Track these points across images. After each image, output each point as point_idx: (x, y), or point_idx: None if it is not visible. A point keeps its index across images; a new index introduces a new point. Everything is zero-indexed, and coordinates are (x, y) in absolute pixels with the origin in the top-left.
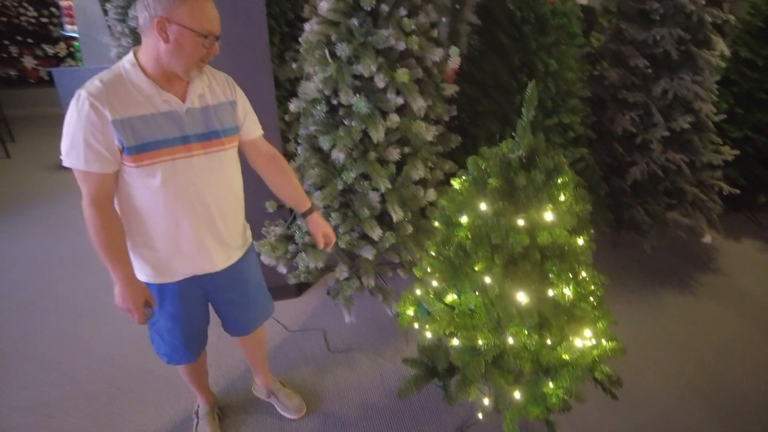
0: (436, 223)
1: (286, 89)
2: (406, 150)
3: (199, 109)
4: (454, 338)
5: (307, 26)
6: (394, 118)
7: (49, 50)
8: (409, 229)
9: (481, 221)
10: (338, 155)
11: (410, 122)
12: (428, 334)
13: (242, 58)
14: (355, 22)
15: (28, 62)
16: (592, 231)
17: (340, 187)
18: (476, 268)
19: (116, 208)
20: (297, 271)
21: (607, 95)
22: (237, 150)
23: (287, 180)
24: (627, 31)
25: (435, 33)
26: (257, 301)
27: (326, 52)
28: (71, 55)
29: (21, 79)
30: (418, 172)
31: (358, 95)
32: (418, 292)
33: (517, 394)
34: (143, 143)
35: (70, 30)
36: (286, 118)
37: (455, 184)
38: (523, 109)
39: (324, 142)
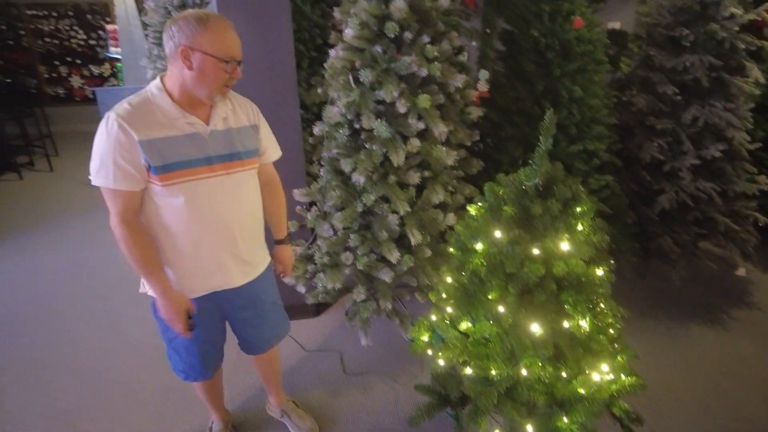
0: (451, 249)
1: (313, 113)
2: (426, 174)
3: (223, 131)
4: (468, 367)
5: (332, 52)
6: (415, 143)
7: (95, 70)
8: (428, 252)
9: (496, 249)
10: (359, 178)
11: (431, 147)
12: (441, 362)
13: (270, 83)
14: (378, 49)
15: (76, 81)
16: (612, 261)
17: (359, 209)
18: (490, 297)
19: None
20: (315, 291)
21: (634, 122)
22: (257, 171)
23: (275, 205)
24: (656, 57)
25: (463, 57)
26: (273, 320)
27: (350, 77)
28: (114, 75)
29: (68, 97)
30: (438, 196)
31: (379, 120)
32: (434, 317)
33: (529, 428)
34: (169, 163)
35: (114, 52)
36: (311, 140)
37: (471, 210)
38: (541, 138)
39: (345, 165)
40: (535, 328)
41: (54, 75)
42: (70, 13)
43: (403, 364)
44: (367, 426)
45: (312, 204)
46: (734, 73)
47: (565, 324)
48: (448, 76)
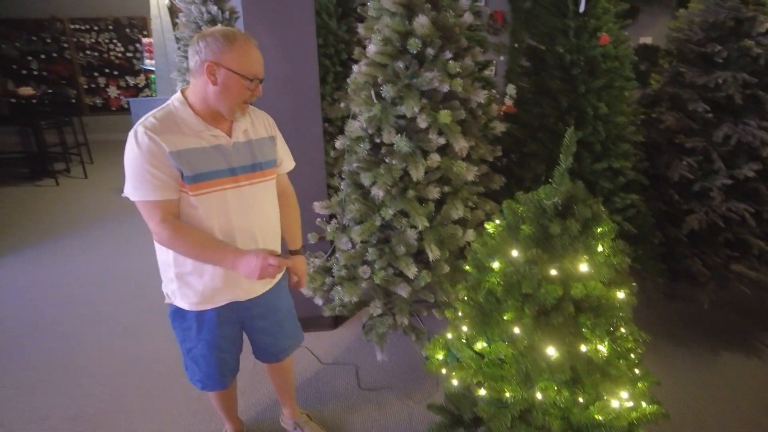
0: (467, 267)
1: (337, 126)
2: (446, 189)
3: (244, 143)
4: (482, 388)
5: (355, 68)
6: (435, 158)
7: (131, 81)
8: (446, 268)
9: (513, 268)
10: (378, 192)
11: (451, 162)
12: (455, 382)
13: (294, 97)
14: (400, 64)
15: (113, 92)
16: (636, 283)
17: (378, 222)
18: (505, 317)
19: None
20: (332, 303)
21: (663, 139)
22: (275, 181)
23: (290, 215)
24: (686, 74)
25: (490, 72)
26: (288, 329)
27: (372, 93)
28: (148, 86)
29: (105, 106)
30: (458, 211)
31: (400, 135)
32: (449, 335)
33: None
34: (198, 173)
35: (149, 64)
36: (332, 154)
37: (488, 227)
38: (561, 156)
39: (365, 179)
40: (551, 351)
41: (93, 85)
42: (110, 27)
43: (418, 381)
44: None
45: (332, 216)
46: None
47: (583, 348)
48: (470, 91)
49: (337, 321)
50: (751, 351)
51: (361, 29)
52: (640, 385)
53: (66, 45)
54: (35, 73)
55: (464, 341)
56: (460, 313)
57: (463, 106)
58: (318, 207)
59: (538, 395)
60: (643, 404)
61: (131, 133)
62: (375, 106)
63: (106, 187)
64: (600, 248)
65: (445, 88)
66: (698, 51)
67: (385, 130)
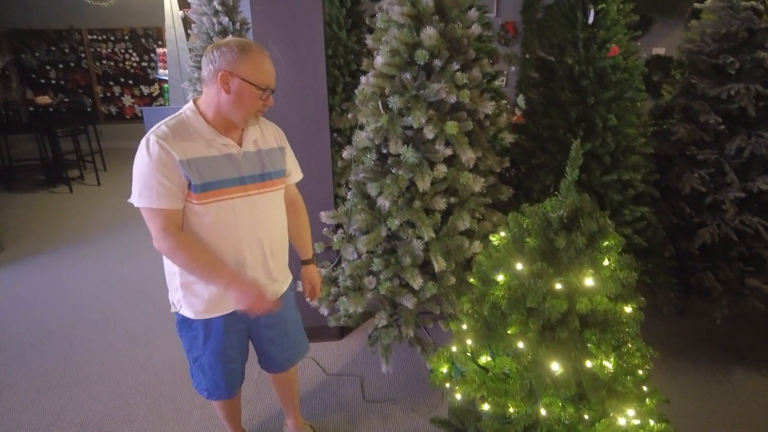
0: (472, 279)
1: (346, 136)
2: (453, 200)
3: (254, 152)
4: (485, 403)
5: (363, 79)
6: (442, 168)
7: (145, 90)
8: (452, 280)
9: (518, 282)
10: (384, 202)
11: (458, 173)
12: (458, 396)
13: (303, 108)
14: (408, 75)
15: (127, 100)
16: (645, 298)
17: (384, 233)
18: (509, 331)
19: None
20: (338, 314)
21: (674, 151)
22: (284, 191)
23: (300, 225)
24: (698, 85)
25: (501, 82)
26: (295, 339)
27: (379, 103)
28: (161, 95)
29: (119, 114)
30: (464, 222)
31: (407, 145)
32: (454, 348)
33: None
34: (207, 182)
35: (163, 74)
36: (340, 164)
37: (493, 239)
38: (567, 168)
39: (372, 189)
40: (556, 367)
41: (108, 94)
42: (126, 37)
43: (423, 393)
44: None
45: (339, 226)
46: None
47: (588, 363)
48: (477, 102)
49: (343, 331)
50: (765, 368)
51: (369, 40)
52: (648, 402)
53: (84, 55)
54: (53, 82)
55: (469, 355)
56: (464, 326)
57: (471, 117)
58: (325, 217)
59: (543, 411)
60: (651, 422)
61: (143, 141)
62: (382, 116)
63: (119, 194)
64: (606, 262)
65: (453, 99)
66: (710, 62)
67: (392, 141)
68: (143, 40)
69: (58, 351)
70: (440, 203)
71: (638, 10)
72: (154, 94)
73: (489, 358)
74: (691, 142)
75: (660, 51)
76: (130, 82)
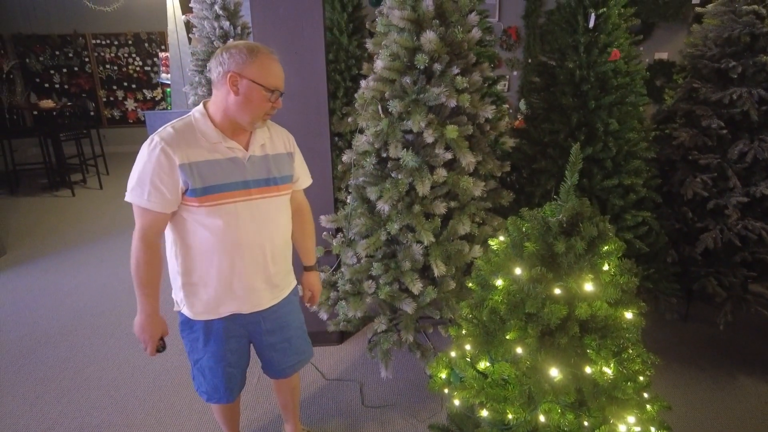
0: (471, 284)
1: (347, 140)
2: (453, 204)
3: (260, 157)
4: (484, 409)
5: (363, 83)
6: (441, 173)
7: (148, 94)
8: (452, 285)
9: (517, 287)
10: (384, 206)
11: (458, 177)
12: (457, 402)
13: (304, 113)
14: (408, 80)
15: (130, 105)
16: (645, 303)
17: (383, 237)
18: (508, 337)
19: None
20: (337, 318)
21: (676, 156)
22: (289, 197)
23: (304, 232)
24: (701, 89)
25: (503, 87)
26: (298, 346)
27: (379, 107)
28: (164, 99)
29: (122, 118)
30: (464, 227)
31: (406, 149)
32: (453, 354)
33: None
34: (209, 186)
35: (165, 78)
36: (340, 167)
37: (493, 244)
38: (566, 173)
39: (371, 193)
40: (555, 373)
41: (111, 98)
42: (130, 42)
43: (423, 399)
44: None
45: (338, 230)
46: None
47: (588, 369)
48: (477, 107)
49: (342, 336)
50: None
51: (370, 45)
52: (649, 408)
53: (87, 59)
54: (57, 86)
55: (467, 360)
56: (463, 332)
57: (471, 121)
58: (324, 220)
59: (542, 418)
60: (653, 429)
61: (147, 141)
62: (382, 120)
63: (121, 198)
64: (606, 267)
65: (453, 103)
66: (713, 66)
67: (392, 145)
68: (146, 45)
69: (58, 355)
70: (440, 207)
71: (641, 15)
72: (157, 98)
73: (488, 364)
74: (693, 147)
75: (662, 56)
76: (134, 86)
